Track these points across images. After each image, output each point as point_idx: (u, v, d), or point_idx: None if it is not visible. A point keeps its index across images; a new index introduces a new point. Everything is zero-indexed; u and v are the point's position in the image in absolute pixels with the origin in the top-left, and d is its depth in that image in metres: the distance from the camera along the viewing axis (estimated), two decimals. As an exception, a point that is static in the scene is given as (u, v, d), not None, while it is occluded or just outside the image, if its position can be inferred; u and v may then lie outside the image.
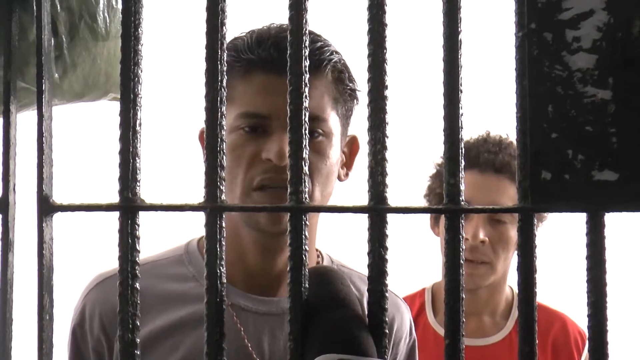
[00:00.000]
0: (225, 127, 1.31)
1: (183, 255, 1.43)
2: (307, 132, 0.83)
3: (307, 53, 0.84)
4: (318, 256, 1.48)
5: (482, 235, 2.00)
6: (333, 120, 1.35)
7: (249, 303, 1.38)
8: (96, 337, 1.37)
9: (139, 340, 0.83)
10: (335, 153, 1.35)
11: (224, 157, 0.83)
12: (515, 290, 2.17)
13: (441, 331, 2.09)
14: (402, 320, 1.51)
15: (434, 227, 2.19)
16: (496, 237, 2.02)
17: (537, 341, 0.83)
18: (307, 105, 0.84)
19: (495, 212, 0.86)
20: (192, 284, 1.37)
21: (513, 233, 2.01)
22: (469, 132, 2.11)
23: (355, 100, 1.40)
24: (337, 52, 1.36)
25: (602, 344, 0.83)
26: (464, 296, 0.84)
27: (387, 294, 0.85)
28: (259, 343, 1.36)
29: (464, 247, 0.84)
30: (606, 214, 0.83)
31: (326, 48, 1.34)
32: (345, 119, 1.39)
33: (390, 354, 1.48)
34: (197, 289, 1.33)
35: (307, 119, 0.84)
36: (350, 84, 1.38)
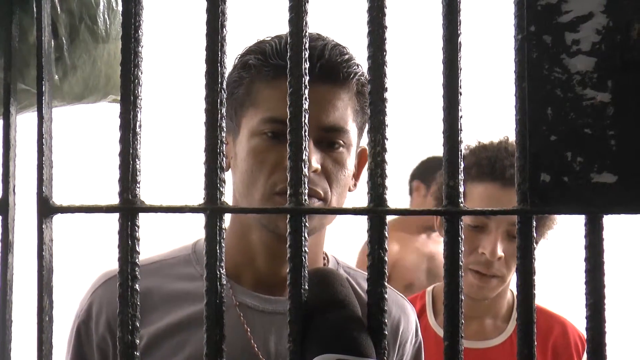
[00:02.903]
0: (248, 131, 1.32)
1: (190, 255, 1.44)
2: (307, 133, 0.84)
3: (306, 55, 0.84)
4: (324, 258, 1.49)
5: (500, 252, 2.00)
6: (353, 132, 1.36)
7: (256, 302, 1.39)
8: (101, 335, 1.37)
9: (139, 341, 0.82)
10: (351, 164, 1.37)
11: (224, 159, 0.83)
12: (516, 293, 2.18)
13: (442, 333, 2.08)
14: (408, 321, 1.52)
15: (440, 229, 2.19)
16: (510, 253, 2.03)
17: (535, 343, 0.83)
18: (306, 107, 0.84)
19: (494, 214, 0.86)
20: (199, 283, 1.37)
21: None
22: (469, 134, 2.10)
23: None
24: (360, 65, 1.37)
25: (601, 346, 0.83)
26: (463, 298, 0.84)
27: (386, 296, 0.85)
28: (266, 342, 1.37)
29: (462, 249, 0.84)
30: (605, 216, 0.83)
31: (353, 61, 1.36)
32: (361, 131, 1.40)
33: (396, 356, 1.49)
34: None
35: (307, 121, 0.84)
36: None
